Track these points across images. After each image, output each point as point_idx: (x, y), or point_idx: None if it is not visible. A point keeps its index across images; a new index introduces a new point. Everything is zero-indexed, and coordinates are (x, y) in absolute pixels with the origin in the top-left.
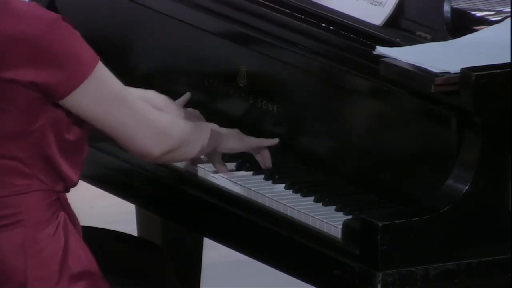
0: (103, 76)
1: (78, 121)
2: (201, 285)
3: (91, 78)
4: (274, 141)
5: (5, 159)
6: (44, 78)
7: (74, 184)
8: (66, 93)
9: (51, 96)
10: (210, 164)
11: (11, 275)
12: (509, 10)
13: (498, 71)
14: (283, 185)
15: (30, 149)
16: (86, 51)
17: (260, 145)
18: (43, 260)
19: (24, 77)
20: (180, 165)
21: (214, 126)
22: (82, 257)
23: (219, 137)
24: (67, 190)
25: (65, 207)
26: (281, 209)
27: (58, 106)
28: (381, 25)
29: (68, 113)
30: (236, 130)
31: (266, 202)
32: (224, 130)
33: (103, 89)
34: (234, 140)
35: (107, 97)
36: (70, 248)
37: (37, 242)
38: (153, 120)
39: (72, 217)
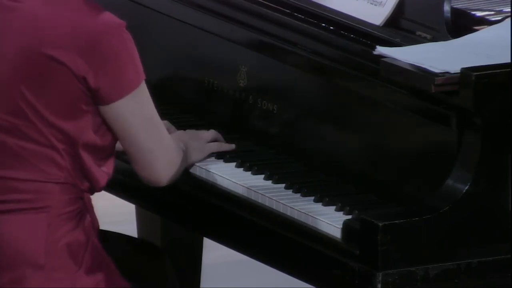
0: (145, 94)
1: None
2: (201, 285)
3: (136, 92)
4: (231, 146)
5: (44, 147)
6: (94, 78)
7: (100, 186)
8: (111, 100)
9: (96, 99)
10: (210, 164)
11: (28, 257)
12: (509, 10)
13: (498, 71)
14: (283, 185)
15: (68, 143)
16: (138, 64)
17: (218, 150)
18: (63, 249)
19: (78, 69)
20: None
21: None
22: (99, 255)
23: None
24: (92, 192)
25: (89, 209)
26: (281, 209)
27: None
28: (381, 25)
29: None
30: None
31: (266, 202)
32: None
33: (143, 106)
34: (196, 154)
35: (145, 116)
36: (89, 246)
37: (58, 230)
38: (171, 151)
39: (94, 220)
